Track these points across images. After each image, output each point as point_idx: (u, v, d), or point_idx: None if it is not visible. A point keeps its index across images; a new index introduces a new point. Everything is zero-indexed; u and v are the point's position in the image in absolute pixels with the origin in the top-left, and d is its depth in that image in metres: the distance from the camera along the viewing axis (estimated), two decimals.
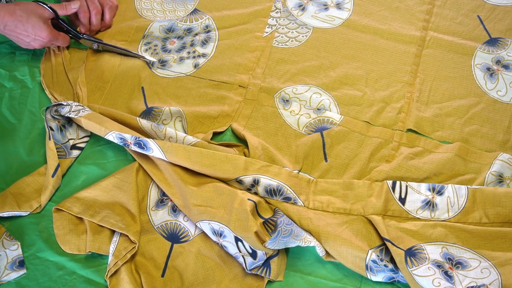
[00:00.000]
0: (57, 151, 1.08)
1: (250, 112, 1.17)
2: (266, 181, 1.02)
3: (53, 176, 1.05)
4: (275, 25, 1.31)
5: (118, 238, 0.99)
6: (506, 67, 1.22)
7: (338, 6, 1.33)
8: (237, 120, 1.16)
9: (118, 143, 1.05)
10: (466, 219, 1.00)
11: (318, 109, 1.17)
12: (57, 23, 1.22)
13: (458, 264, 0.93)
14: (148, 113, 1.16)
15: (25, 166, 1.10)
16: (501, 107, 1.17)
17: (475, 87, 1.20)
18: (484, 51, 1.25)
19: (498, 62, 1.23)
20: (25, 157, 1.11)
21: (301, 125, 1.15)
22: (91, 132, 1.14)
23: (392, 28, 1.29)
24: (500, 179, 1.06)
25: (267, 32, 1.29)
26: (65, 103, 1.11)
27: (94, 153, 1.12)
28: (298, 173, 1.07)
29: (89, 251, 0.99)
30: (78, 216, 1.01)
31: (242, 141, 1.13)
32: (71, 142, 1.12)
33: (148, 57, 1.24)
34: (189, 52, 1.27)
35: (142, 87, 1.21)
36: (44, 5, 1.17)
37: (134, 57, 1.24)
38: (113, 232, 1.01)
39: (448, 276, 0.90)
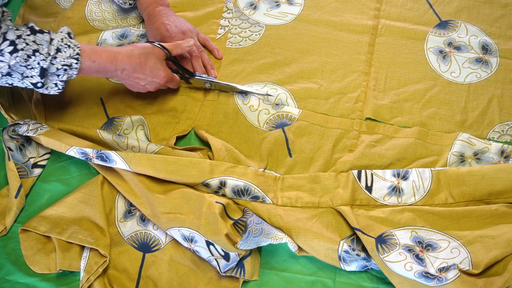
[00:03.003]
0: (18, 171, 1.06)
1: (211, 114, 1.16)
2: (233, 182, 1.02)
3: (16, 197, 1.04)
4: (228, 25, 1.31)
5: (88, 253, 0.98)
6: (458, 48, 1.24)
7: (290, 1, 1.34)
8: (199, 122, 1.16)
9: (80, 158, 1.04)
10: (432, 201, 1.01)
11: (276, 104, 1.17)
12: (168, 64, 1.17)
13: (428, 247, 0.94)
14: (109, 124, 1.14)
15: None
16: (456, 88, 1.19)
17: (430, 70, 1.21)
18: (436, 35, 1.27)
19: (450, 44, 1.25)
20: None
21: (261, 121, 1.15)
22: (51, 149, 1.12)
23: (344, 19, 1.30)
24: (462, 159, 1.08)
25: (220, 34, 1.29)
26: (22, 122, 1.09)
27: (56, 169, 1.11)
28: (264, 171, 1.07)
29: (60, 269, 0.98)
30: (46, 235, 1.00)
31: (206, 144, 1.13)
32: (32, 161, 1.10)
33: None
34: None
35: (101, 98, 1.19)
36: (158, 45, 1.12)
37: (249, 93, 1.19)
38: (82, 247, 0.99)
39: (419, 259, 0.92)
